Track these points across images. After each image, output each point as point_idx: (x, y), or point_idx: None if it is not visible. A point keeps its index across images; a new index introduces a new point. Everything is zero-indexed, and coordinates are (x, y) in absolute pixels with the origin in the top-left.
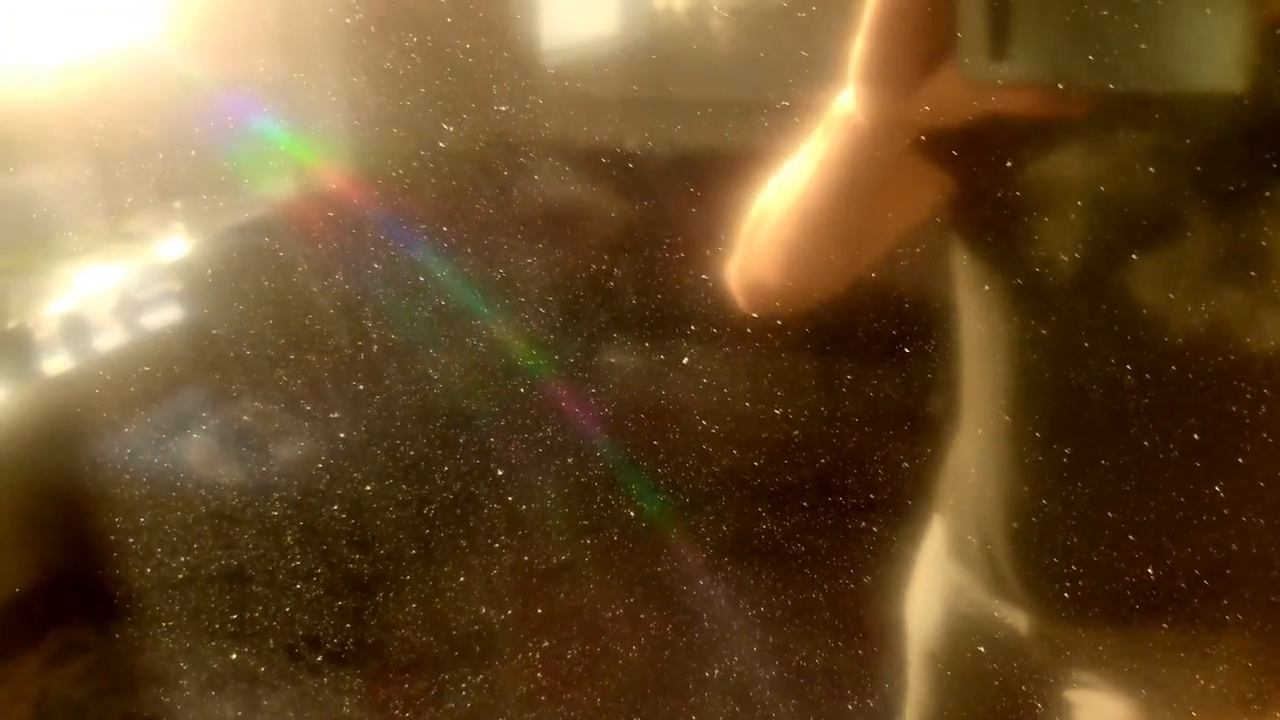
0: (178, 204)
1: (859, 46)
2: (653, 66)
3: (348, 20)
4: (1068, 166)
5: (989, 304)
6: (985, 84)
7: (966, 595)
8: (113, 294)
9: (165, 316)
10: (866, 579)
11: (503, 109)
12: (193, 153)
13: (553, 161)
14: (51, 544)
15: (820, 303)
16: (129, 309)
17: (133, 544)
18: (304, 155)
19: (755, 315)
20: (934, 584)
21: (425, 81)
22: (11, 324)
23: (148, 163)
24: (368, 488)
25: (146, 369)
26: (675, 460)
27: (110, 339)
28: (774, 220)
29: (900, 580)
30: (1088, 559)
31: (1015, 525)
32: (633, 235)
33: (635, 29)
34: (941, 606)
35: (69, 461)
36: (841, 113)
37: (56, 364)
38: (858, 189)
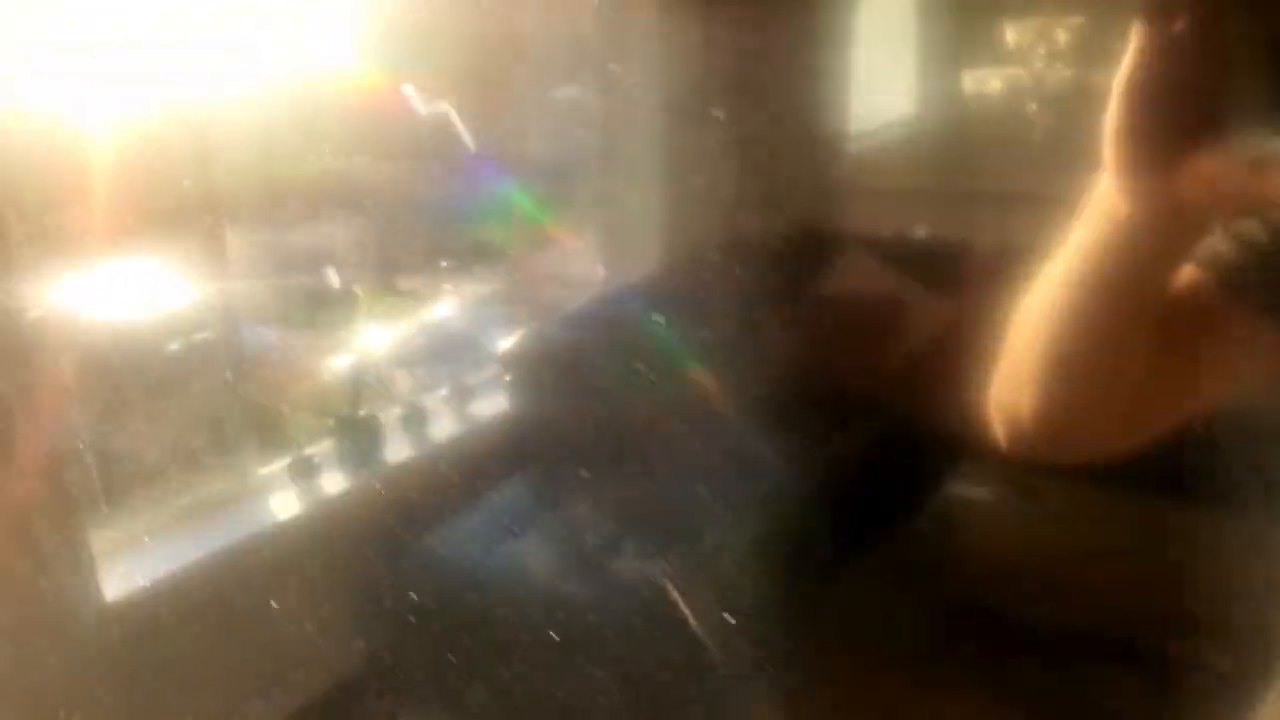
0: (445, 263)
1: (1111, 114)
2: (963, 156)
3: (651, 99)
4: None
5: None
6: (1267, 163)
7: None
8: (446, 380)
9: (495, 405)
10: None
11: (802, 196)
12: (464, 217)
13: (853, 251)
14: (381, 630)
15: (1096, 460)
16: (461, 396)
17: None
18: (585, 237)
19: (1014, 457)
20: None
21: (723, 163)
22: (363, 412)
23: (418, 223)
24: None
25: (476, 460)
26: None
27: (444, 428)
28: (1027, 334)
29: None
30: None
31: None
32: (935, 333)
33: (944, 116)
34: None
35: (403, 551)
36: (1102, 196)
37: (398, 452)
38: (1120, 293)
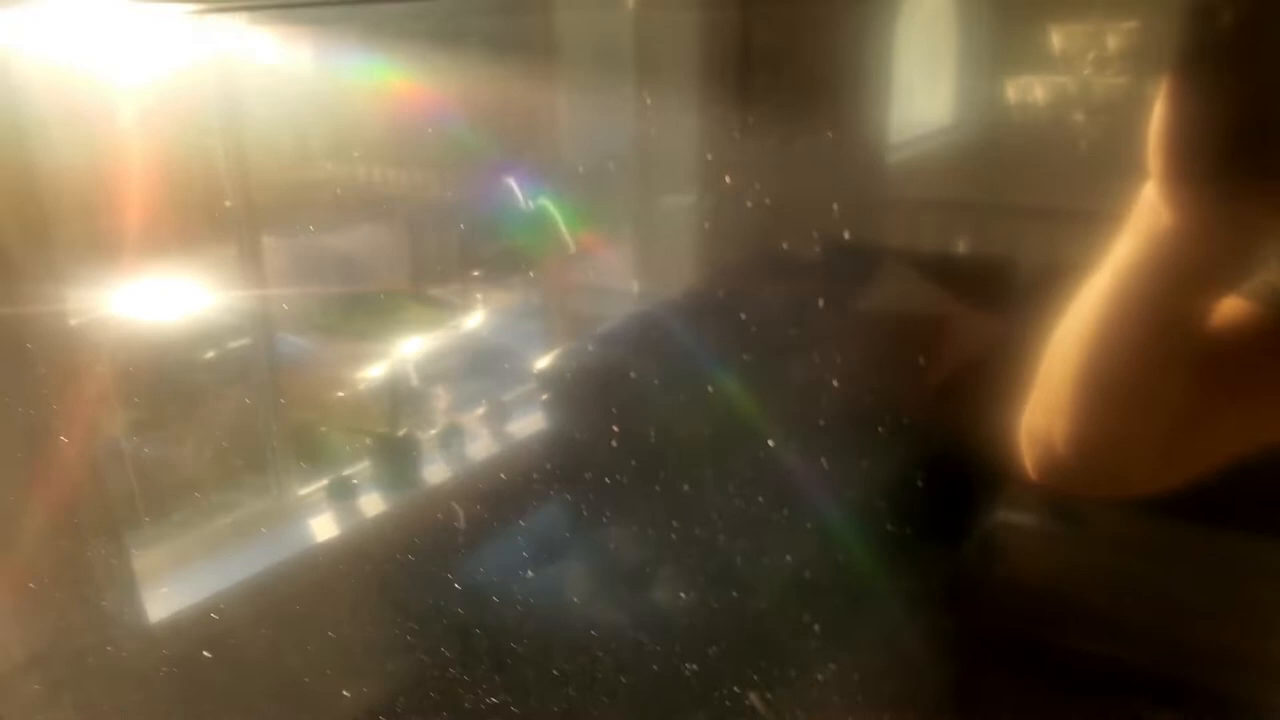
0: (477, 272)
1: (1157, 117)
2: (1004, 167)
3: (687, 107)
4: None
5: None
6: None
7: None
8: (483, 399)
9: (531, 425)
10: None
11: (840, 207)
12: (495, 225)
13: (892, 267)
14: (418, 654)
15: (1134, 495)
16: (497, 416)
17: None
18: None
19: (1043, 487)
20: None
21: (760, 174)
22: (401, 432)
23: (451, 231)
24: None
25: (514, 482)
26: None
27: (481, 447)
28: (1063, 356)
29: None
30: None
31: None
32: (978, 352)
33: (984, 125)
34: None
35: (440, 574)
36: (1145, 207)
37: (436, 472)
38: (1159, 313)
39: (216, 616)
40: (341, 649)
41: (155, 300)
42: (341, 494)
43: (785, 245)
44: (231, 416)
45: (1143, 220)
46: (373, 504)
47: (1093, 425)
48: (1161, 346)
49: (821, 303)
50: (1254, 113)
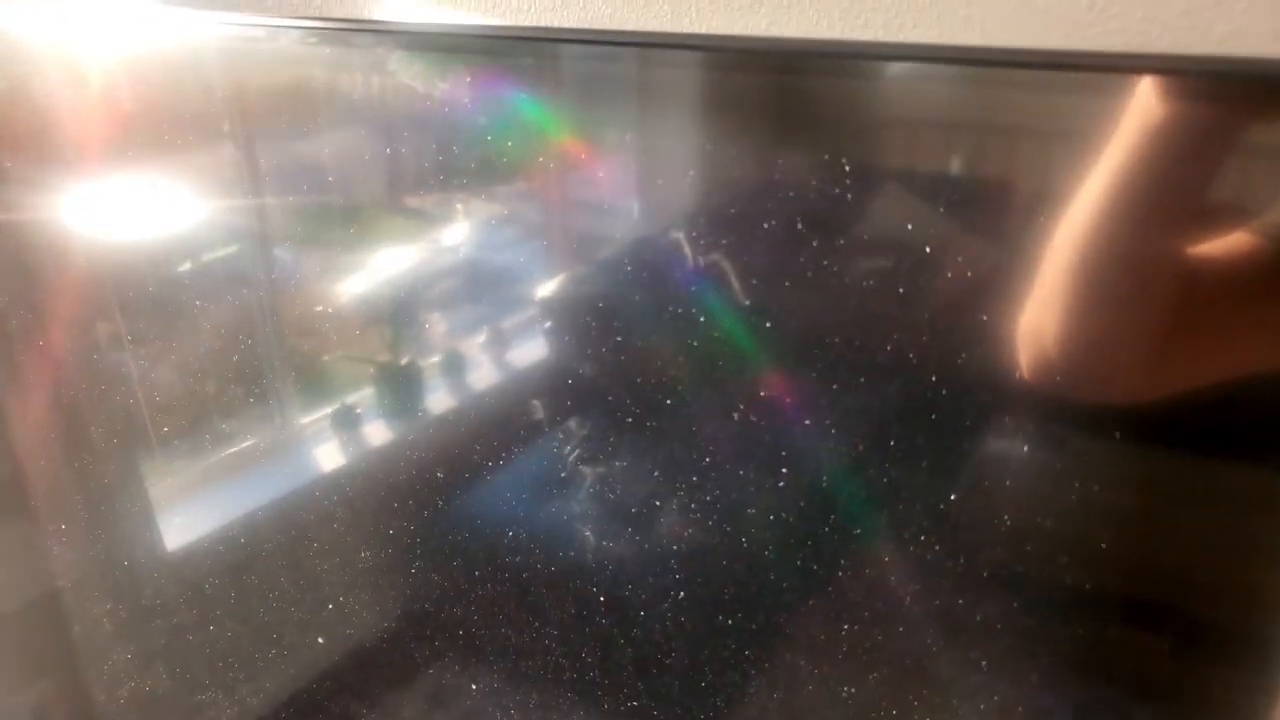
0: (461, 182)
1: None
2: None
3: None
4: None
5: None
6: None
7: None
8: (484, 326)
9: (533, 353)
10: None
11: (836, 129)
12: (478, 134)
13: (891, 189)
14: (420, 585)
15: (1122, 400)
16: (498, 343)
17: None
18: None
19: (1033, 387)
20: None
21: (758, 96)
22: (404, 360)
23: (431, 139)
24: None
25: (518, 412)
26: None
27: (482, 376)
28: (1058, 255)
29: None
30: None
31: None
32: (974, 276)
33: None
34: None
35: (444, 507)
36: (1137, 105)
37: (439, 402)
38: (1148, 207)
39: (228, 546)
40: (349, 577)
41: (133, 208)
42: (349, 424)
43: (788, 170)
44: (224, 337)
45: (1134, 118)
46: (380, 433)
47: (1081, 321)
48: (1152, 246)
49: (825, 228)
50: None
